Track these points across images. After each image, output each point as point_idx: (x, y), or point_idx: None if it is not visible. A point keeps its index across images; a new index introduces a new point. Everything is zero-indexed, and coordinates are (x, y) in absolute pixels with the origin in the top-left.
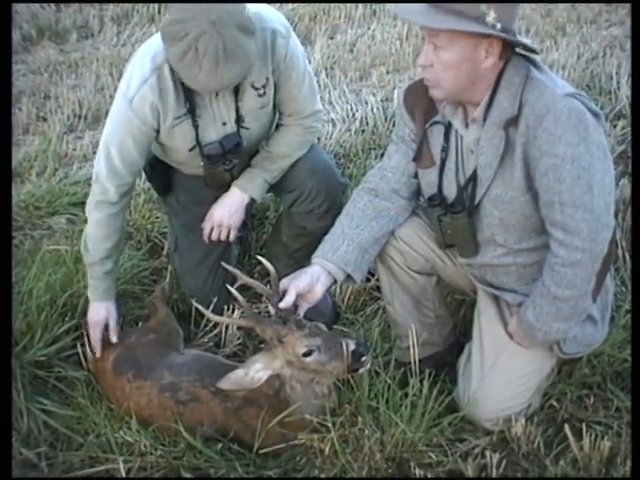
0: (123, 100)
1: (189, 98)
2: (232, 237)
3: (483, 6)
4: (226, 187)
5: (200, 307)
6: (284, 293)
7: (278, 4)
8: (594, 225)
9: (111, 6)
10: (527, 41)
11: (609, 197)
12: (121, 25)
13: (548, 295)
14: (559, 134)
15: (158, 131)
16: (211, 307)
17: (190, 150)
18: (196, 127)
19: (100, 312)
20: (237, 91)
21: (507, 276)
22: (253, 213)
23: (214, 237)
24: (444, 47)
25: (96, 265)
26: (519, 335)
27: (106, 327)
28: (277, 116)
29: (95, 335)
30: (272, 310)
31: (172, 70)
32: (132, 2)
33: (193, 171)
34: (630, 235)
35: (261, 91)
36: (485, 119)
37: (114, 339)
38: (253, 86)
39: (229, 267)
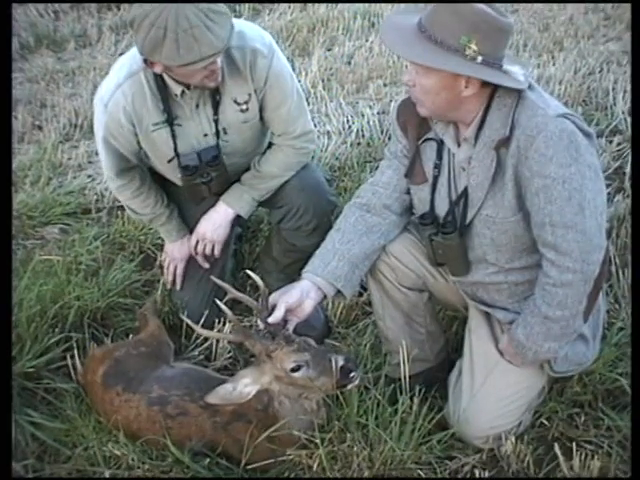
0: (100, 104)
1: (168, 107)
2: (217, 251)
3: (464, 37)
4: (205, 201)
5: (189, 322)
6: (273, 308)
7: (278, 14)
8: (586, 246)
9: (109, 15)
10: (503, 77)
11: (601, 218)
12: (119, 34)
13: (539, 315)
14: (550, 155)
15: (137, 134)
16: (202, 320)
17: (169, 161)
18: (174, 137)
19: (183, 249)
20: (217, 104)
21: (499, 294)
22: (247, 225)
23: (199, 250)
24: (423, 74)
25: (155, 219)
26: (510, 353)
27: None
28: (269, 133)
29: (179, 270)
30: (261, 324)
31: (148, 78)
32: (131, 2)
33: (178, 182)
34: (624, 252)
35: (244, 107)
36: (477, 139)
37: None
38: (236, 101)
39: (219, 281)
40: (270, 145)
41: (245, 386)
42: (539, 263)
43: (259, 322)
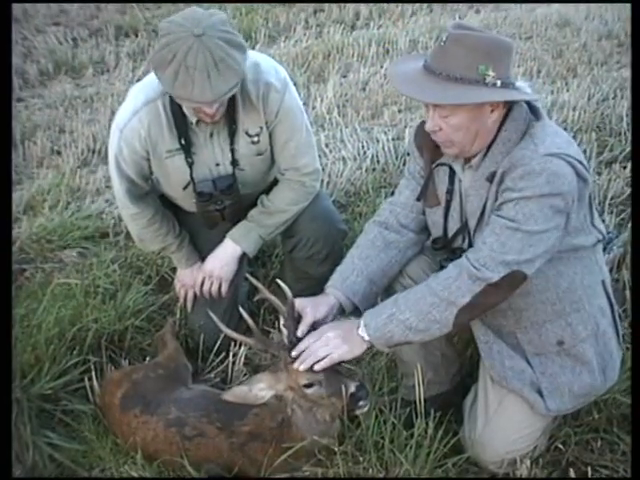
0: (116, 129)
1: (183, 135)
2: (224, 289)
3: (482, 67)
4: (218, 227)
5: (222, 326)
6: (299, 315)
7: (294, 42)
8: (495, 257)
9: (127, 42)
10: (525, 92)
11: (534, 254)
12: (136, 61)
13: (426, 280)
14: (520, 186)
15: (149, 160)
16: (218, 342)
17: (184, 188)
18: (190, 164)
19: (193, 275)
20: (233, 134)
21: (505, 319)
22: (262, 249)
23: (205, 288)
24: (451, 114)
25: (166, 247)
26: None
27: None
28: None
29: (189, 295)
30: (284, 332)
31: (165, 105)
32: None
33: (191, 209)
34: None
35: (255, 139)
36: (479, 168)
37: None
38: (247, 133)
39: (253, 280)
40: (276, 181)
41: (260, 390)
42: (538, 289)
43: (282, 327)
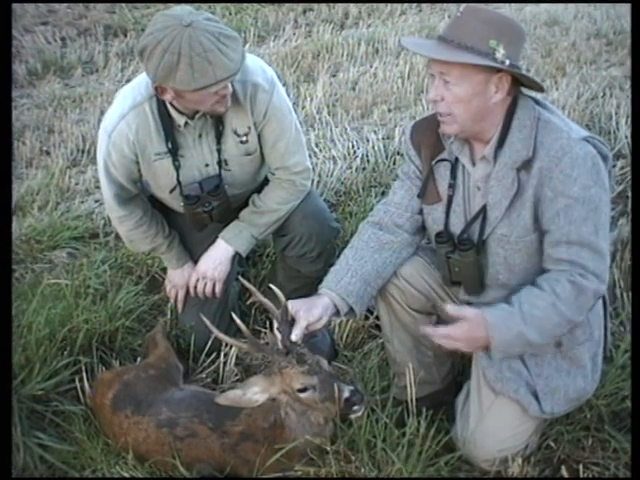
0: (104, 134)
1: (171, 138)
2: (217, 289)
3: (492, 42)
4: (208, 228)
5: (213, 328)
6: (292, 318)
7: (283, 41)
8: (599, 265)
9: (116, 42)
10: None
11: (608, 241)
12: (126, 61)
13: (549, 298)
14: (575, 176)
15: (139, 163)
16: (209, 343)
17: (171, 192)
18: (177, 167)
19: (184, 275)
20: (220, 135)
21: None
22: (254, 249)
23: (199, 289)
24: (456, 83)
25: (155, 248)
26: (477, 321)
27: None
28: (265, 167)
29: (180, 296)
30: (278, 335)
31: (152, 108)
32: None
33: (180, 210)
34: (628, 276)
35: (243, 138)
36: (496, 158)
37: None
38: (236, 133)
39: (245, 282)
40: (267, 180)
41: (254, 394)
42: None
43: (276, 331)
